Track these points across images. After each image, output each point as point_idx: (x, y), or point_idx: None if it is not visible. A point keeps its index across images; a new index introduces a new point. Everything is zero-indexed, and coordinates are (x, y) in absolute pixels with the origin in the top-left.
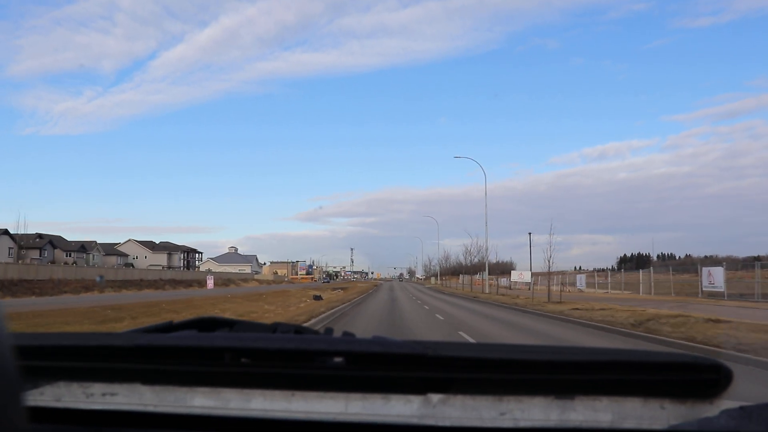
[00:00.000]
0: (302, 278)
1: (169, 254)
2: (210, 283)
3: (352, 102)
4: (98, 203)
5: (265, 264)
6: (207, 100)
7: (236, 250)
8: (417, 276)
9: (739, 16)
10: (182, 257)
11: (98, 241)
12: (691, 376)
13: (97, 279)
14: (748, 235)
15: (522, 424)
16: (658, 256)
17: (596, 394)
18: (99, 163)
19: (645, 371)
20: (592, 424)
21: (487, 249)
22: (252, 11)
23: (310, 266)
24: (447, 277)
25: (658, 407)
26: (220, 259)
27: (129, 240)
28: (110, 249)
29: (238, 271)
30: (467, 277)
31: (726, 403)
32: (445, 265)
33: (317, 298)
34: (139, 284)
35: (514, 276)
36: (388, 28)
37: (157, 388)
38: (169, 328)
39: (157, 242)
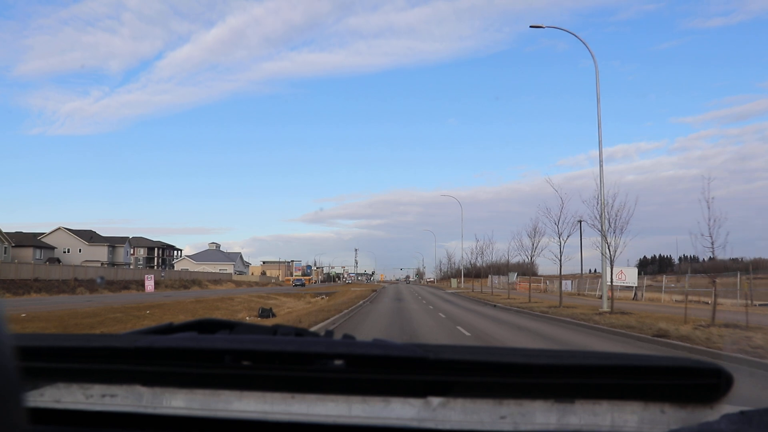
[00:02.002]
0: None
1: (112, 247)
2: (149, 285)
3: (359, 102)
4: (101, 204)
5: (256, 264)
6: (213, 101)
7: (218, 246)
8: (426, 278)
9: (751, 17)
10: (136, 251)
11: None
12: (692, 381)
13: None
14: (758, 239)
15: (522, 427)
16: (679, 259)
17: (596, 398)
18: (104, 164)
19: (645, 375)
20: (592, 427)
21: (603, 215)
22: (259, 11)
23: (308, 267)
24: (467, 279)
25: (659, 411)
26: (197, 257)
27: (58, 229)
28: (31, 240)
29: (218, 271)
30: (496, 279)
31: (726, 407)
32: (480, 261)
33: (265, 314)
34: (28, 286)
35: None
36: (395, 28)
37: (157, 390)
38: (168, 329)
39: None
